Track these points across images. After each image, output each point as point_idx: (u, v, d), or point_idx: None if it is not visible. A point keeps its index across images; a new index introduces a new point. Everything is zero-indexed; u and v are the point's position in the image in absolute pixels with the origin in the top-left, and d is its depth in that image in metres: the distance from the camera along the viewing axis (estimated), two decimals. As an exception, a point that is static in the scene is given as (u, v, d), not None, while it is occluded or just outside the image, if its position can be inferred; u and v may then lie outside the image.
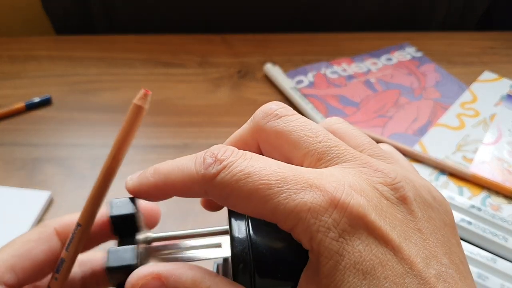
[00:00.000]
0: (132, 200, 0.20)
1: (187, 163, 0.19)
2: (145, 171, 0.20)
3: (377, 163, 0.19)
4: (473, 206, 0.43)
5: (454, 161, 0.49)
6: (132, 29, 0.73)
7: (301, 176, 0.17)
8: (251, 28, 0.72)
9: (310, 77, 0.63)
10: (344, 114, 0.56)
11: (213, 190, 0.18)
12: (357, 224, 0.16)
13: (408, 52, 0.68)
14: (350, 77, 0.63)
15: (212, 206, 0.23)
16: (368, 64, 0.65)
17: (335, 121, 0.22)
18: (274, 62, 0.64)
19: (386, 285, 0.16)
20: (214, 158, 0.18)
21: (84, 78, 0.63)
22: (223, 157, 0.18)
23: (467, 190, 0.46)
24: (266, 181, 0.17)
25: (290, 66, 0.65)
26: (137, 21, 0.74)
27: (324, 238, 0.16)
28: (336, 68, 0.65)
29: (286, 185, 0.17)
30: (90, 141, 0.53)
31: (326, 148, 0.19)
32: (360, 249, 0.16)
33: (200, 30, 0.72)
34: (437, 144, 0.52)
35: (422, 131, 0.54)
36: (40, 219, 0.44)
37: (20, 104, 0.57)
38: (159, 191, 0.20)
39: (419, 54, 0.67)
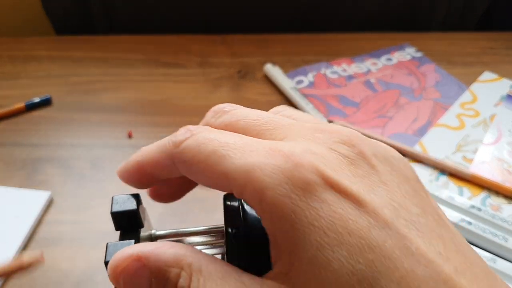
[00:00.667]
0: (135, 196, 0.21)
1: (163, 139, 0.19)
2: None
3: (330, 127, 0.19)
4: (473, 206, 0.43)
5: (454, 161, 0.49)
6: (132, 29, 0.73)
7: (260, 142, 0.17)
8: (251, 28, 0.72)
9: (310, 77, 0.63)
10: (344, 114, 0.56)
11: (177, 156, 0.18)
12: (312, 180, 0.16)
13: (408, 53, 0.68)
14: (350, 77, 0.63)
15: (159, 194, 0.23)
16: (368, 65, 0.65)
17: (281, 109, 0.22)
18: (274, 62, 0.64)
19: (351, 240, 0.15)
20: (186, 129, 0.19)
21: (84, 78, 0.63)
22: (193, 128, 0.19)
23: (467, 190, 0.46)
24: (225, 143, 0.17)
25: (290, 66, 0.65)
26: (137, 21, 0.74)
27: (275, 196, 0.16)
28: (336, 68, 0.65)
29: (242, 148, 0.17)
30: (90, 141, 0.53)
31: (275, 124, 0.19)
32: (316, 206, 0.15)
33: (200, 30, 0.72)
34: (437, 144, 0.52)
35: (422, 131, 0.54)
36: (40, 219, 0.44)
37: (20, 104, 0.57)
38: (139, 168, 0.20)
39: (419, 55, 0.67)
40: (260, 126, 0.19)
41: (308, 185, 0.16)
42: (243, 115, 0.20)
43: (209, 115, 0.21)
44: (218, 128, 0.20)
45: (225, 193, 0.22)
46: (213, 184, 0.18)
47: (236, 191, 0.17)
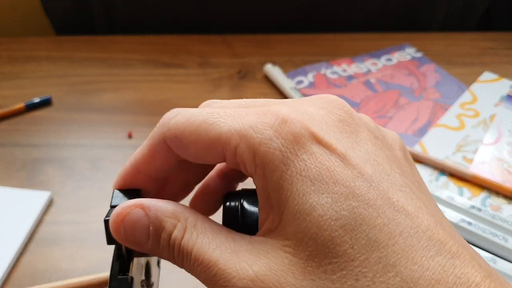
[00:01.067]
0: (135, 191, 0.21)
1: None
2: None
3: (319, 95, 0.20)
4: (473, 207, 0.43)
5: (454, 161, 0.49)
6: (132, 30, 0.73)
7: (249, 109, 0.18)
8: (251, 28, 0.72)
9: (310, 77, 0.63)
10: (344, 115, 0.56)
11: (168, 134, 0.19)
12: (300, 134, 0.17)
13: (408, 53, 0.68)
14: (350, 77, 0.63)
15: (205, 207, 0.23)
16: (368, 65, 0.65)
17: None
18: (274, 63, 0.64)
19: (336, 189, 0.16)
20: (173, 110, 0.19)
21: (84, 78, 0.63)
22: (180, 108, 0.19)
23: (467, 190, 0.46)
24: (215, 113, 0.18)
25: (290, 67, 0.65)
26: (137, 21, 0.74)
27: (267, 150, 0.16)
28: (336, 68, 0.65)
29: (232, 114, 0.18)
30: (90, 141, 0.53)
31: (265, 102, 0.20)
32: (305, 158, 0.16)
33: (200, 30, 0.72)
34: (437, 144, 0.52)
35: (422, 131, 0.54)
36: (40, 219, 0.44)
37: (20, 105, 0.57)
38: (133, 171, 0.20)
39: (419, 55, 0.67)
40: (250, 103, 0.20)
41: (297, 138, 0.17)
42: (232, 100, 0.21)
43: (200, 105, 0.22)
44: None
45: (226, 192, 0.22)
46: (206, 153, 0.18)
47: (229, 153, 0.17)
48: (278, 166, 0.16)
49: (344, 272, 0.15)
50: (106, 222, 0.19)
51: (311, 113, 0.18)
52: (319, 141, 0.17)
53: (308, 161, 0.16)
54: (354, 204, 0.15)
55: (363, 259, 0.15)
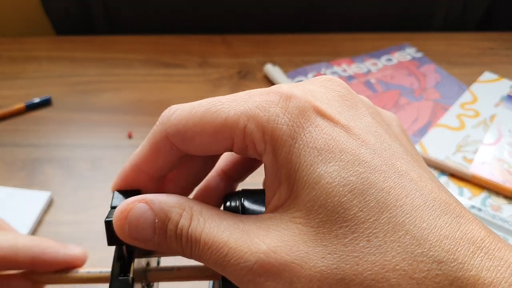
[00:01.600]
0: (136, 192, 0.21)
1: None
2: None
3: (316, 76, 0.20)
4: (473, 207, 0.43)
5: (454, 161, 0.49)
6: (132, 30, 0.73)
7: (249, 93, 0.18)
8: (251, 28, 0.72)
9: (310, 77, 0.63)
10: (344, 115, 0.56)
11: (170, 130, 0.19)
12: (305, 109, 0.17)
13: (408, 53, 0.68)
14: (350, 77, 0.63)
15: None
16: (368, 65, 0.65)
17: None
18: (274, 63, 0.64)
19: (342, 157, 0.16)
20: (170, 107, 0.19)
21: (84, 78, 0.63)
22: (178, 104, 0.19)
23: (467, 190, 0.46)
24: (216, 101, 0.18)
25: (290, 67, 0.65)
26: (137, 22, 0.74)
27: (275, 126, 0.17)
28: (336, 68, 0.65)
29: (235, 100, 0.18)
30: (90, 141, 0.53)
31: (269, 89, 0.20)
32: (311, 130, 0.17)
33: (200, 30, 0.72)
34: (437, 144, 0.52)
35: (422, 131, 0.54)
36: (40, 219, 0.44)
37: (20, 105, 0.57)
38: (133, 171, 0.20)
39: (419, 55, 0.67)
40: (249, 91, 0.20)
41: (302, 112, 0.17)
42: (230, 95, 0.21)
43: None
44: None
45: (226, 192, 0.22)
46: (213, 143, 0.18)
47: (237, 136, 0.18)
48: (286, 141, 0.17)
49: (355, 234, 0.15)
50: (107, 223, 0.18)
51: (312, 89, 0.18)
52: (322, 114, 0.17)
53: (314, 133, 0.17)
54: (360, 170, 0.16)
55: (373, 221, 0.15)
